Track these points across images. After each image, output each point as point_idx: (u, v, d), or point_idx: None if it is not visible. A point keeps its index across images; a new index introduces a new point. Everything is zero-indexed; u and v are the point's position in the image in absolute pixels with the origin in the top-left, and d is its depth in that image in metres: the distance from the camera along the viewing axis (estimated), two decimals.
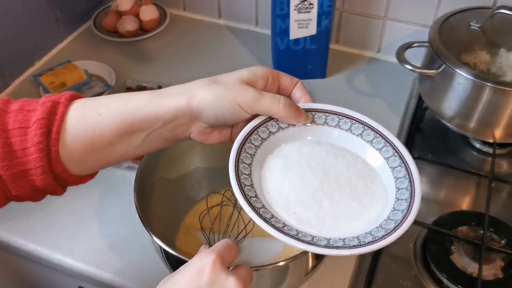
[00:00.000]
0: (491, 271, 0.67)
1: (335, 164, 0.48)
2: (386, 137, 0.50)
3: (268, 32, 1.02)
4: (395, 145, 0.49)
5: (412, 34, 0.98)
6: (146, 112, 0.46)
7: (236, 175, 0.45)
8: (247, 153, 0.48)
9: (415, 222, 0.72)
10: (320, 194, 0.45)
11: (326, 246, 0.42)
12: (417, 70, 0.81)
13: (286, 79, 0.51)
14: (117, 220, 0.74)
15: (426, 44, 0.83)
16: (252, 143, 0.48)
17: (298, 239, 0.42)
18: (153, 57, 1.06)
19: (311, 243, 0.42)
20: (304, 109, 0.50)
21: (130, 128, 0.47)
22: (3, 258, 0.82)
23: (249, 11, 1.10)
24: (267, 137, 0.49)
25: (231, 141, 0.49)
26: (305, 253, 0.55)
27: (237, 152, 0.47)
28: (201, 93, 0.47)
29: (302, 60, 0.96)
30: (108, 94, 0.94)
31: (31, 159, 0.44)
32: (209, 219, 0.68)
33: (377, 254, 0.71)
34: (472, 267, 0.68)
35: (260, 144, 0.49)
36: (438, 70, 0.79)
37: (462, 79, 0.76)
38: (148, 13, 1.09)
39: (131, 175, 0.61)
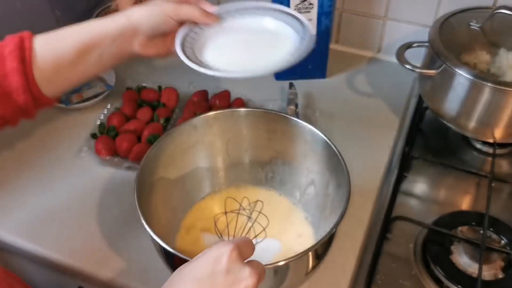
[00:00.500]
0: (491, 271, 0.67)
1: (253, 40, 0.68)
2: (280, 9, 0.68)
3: None
4: (288, 12, 0.68)
5: (412, 34, 0.98)
6: (98, 31, 0.59)
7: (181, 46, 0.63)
8: (186, 46, 0.64)
9: (415, 222, 0.73)
10: (246, 56, 0.65)
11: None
12: (417, 70, 0.81)
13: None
14: (117, 220, 0.74)
15: (426, 44, 0.83)
16: (187, 40, 0.65)
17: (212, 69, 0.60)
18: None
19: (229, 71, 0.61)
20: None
21: (86, 47, 0.58)
22: (3, 258, 0.82)
23: None
24: (197, 35, 0.66)
25: (167, 52, 0.66)
26: (305, 253, 0.55)
27: (181, 42, 0.63)
28: (137, 11, 0.61)
29: (302, 60, 0.96)
30: (108, 94, 0.94)
31: (13, 81, 0.55)
32: (226, 221, 0.69)
33: (377, 254, 0.71)
34: (472, 267, 0.68)
35: (193, 40, 0.65)
36: (438, 70, 0.79)
37: (462, 79, 0.76)
38: None
39: (131, 175, 0.61)
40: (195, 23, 0.64)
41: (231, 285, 0.45)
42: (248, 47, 0.67)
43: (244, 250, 0.47)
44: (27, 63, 0.55)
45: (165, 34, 0.64)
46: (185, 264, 0.48)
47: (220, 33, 0.68)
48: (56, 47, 0.57)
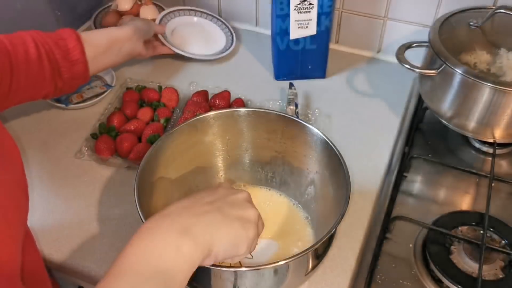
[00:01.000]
0: (491, 271, 0.67)
1: (200, 31, 1.10)
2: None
3: (268, 32, 1.02)
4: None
5: (412, 34, 0.98)
6: (119, 33, 0.85)
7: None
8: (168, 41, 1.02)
9: (415, 222, 0.73)
10: (198, 44, 1.07)
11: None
12: (417, 70, 0.81)
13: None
14: (117, 220, 0.74)
15: (426, 44, 0.83)
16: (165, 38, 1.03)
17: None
18: (154, 57, 1.05)
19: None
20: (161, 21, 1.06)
21: (113, 42, 0.83)
22: None
23: (249, 11, 1.10)
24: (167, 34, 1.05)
25: (151, 53, 0.97)
26: (305, 253, 0.55)
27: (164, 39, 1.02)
28: (138, 22, 0.91)
29: (302, 60, 0.96)
30: (108, 94, 0.94)
31: (75, 53, 0.76)
32: None
33: (377, 254, 0.71)
34: (472, 267, 0.68)
35: (166, 37, 1.03)
36: (438, 70, 0.79)
37: (462, 79, 0.76)
38: (148, 13, 1.09)
39: (131, 175, 0.61)
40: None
41: (228, 193, 0.55)
42: (199, 37, 1.07)
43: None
44: (81, 45, 0.77)
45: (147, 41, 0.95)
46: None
47: (180, 29, 1.08)
48: (95, 41, 0.81)
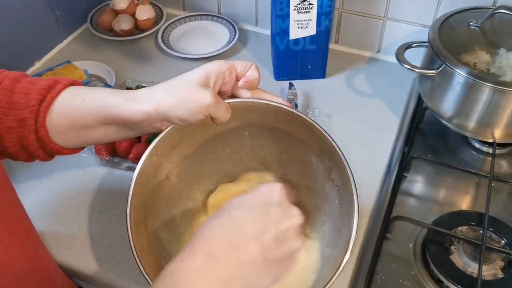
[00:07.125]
0: (491, 271, 0.67)
1: (205, 34, 1.13)
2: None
3: (268, 32, 1.02)
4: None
5: (412, 34, 0.98)
6: (120, 112, 0.54)
7: None
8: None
9: (415, 222, 0.73)
10: (203, 46, 1.09)
11: None
12: (417, 70, 0.81)
13: (241, 66, 0.60)
14: (117, 220, 0.74)
15: (426, 44, 0.83)
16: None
17: None
18: (154, 57, 1.05)
19: None
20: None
21: (106, 120, 0.55)
22: None
23: (249, 11, 1.10)
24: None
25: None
26: None
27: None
28: (166, 100, 0.53)
29: (302, 60, 0.96)
30: None
31: (29, 116, 0.54)
32: None
33: (377, 254, 0.71)
34: (472, 267, 0.68)
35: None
36: (438, 70, 0.79)
37: (462, 79, 0.76)
38: (144, 12, 1.09)
39: (131, 175, 0.60)
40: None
41: (281, 219, 0.46)
42: (204, 39, 1.09)
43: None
44: (43, 106, 0.54)
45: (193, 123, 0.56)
46: (233, 198, 0.49)
47: (184, 36, 1.10)
48: (78, 104, 0.55)
